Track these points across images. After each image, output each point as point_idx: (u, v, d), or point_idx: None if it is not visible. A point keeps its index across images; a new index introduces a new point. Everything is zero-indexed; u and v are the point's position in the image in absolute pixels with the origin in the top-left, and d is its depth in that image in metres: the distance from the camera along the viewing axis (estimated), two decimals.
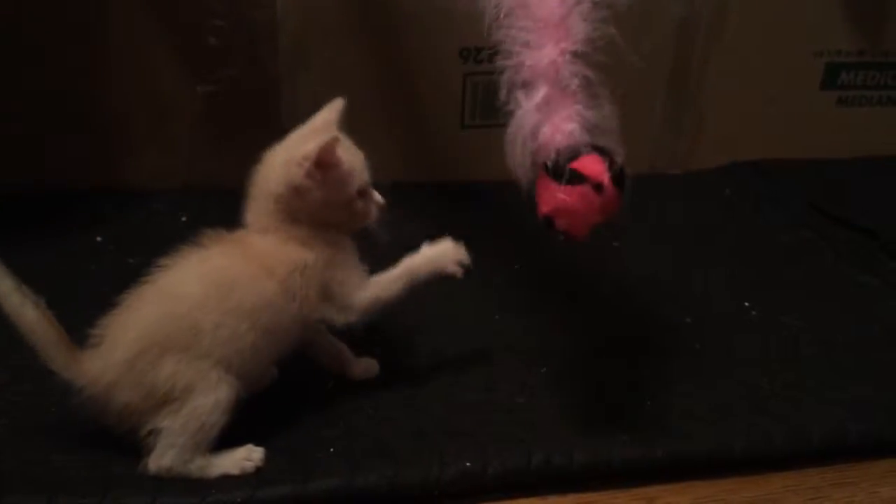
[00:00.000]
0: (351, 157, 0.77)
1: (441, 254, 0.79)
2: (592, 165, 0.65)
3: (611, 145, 0.68)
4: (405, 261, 0.79)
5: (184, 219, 1.19)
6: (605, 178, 0.65)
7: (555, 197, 0.66)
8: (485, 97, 1.29)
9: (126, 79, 1.23)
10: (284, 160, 0.76)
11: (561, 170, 0.66)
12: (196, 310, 0.72)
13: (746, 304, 1.06)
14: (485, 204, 1.24)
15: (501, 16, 0.70)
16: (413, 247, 0.81)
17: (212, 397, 0.71)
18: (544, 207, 0.68)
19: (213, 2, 1.19)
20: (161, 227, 1.17)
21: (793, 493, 0.79)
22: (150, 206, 1.22)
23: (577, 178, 0.65)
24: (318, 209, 0.76)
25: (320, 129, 0.78)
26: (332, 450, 0.77)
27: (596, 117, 0.67)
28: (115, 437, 0.75)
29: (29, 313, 0.69)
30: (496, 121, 0.76)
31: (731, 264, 1.16)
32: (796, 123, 1.46)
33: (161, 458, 0.71)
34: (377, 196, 0.80)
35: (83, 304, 0.73)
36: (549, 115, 0.67)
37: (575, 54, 0.67)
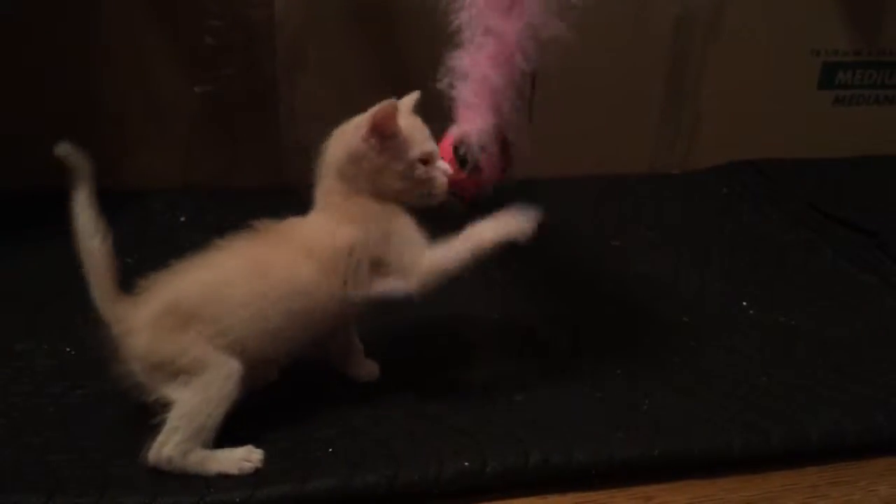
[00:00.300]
0: (412, 127, 0.79)
1: (507, 222, 0.79)
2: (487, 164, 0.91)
3: (501, 149, 0.93)
4: (470, 230, 0.79)
5: (182, 219, 1.19)
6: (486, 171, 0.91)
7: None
8: None
9: (124, 79, 1.23)
10: (344, 130, 0.79)
11: (461, 157, 0.90)
12: (227, 285, 0.74)
13: (744, 303, 1.06)
14: (484, 204, 1.24)
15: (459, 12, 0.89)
16: None
17: (222, 374, 0.72)
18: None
19: (209, 1, 1.19)
20: (159, 226, 1.17)
21: (791, 491, 0.79)
22: (149, 205, 1.22)
23: (470, 166, 0.90)
24: (376, 177, 0.78)
25: None
26: (331, 449, 0.77)
27: (505, 124, 0.91)
28: (113, 436, 0.75)
29: (95, 243, 0.74)
30: None
31: (729, 263, 1.16)
32: (794, 123, 1.47)
33: (163, 447, 0.72)
34: (443, 164, 0.81)
35: (82, 304, 0.74)
36: (470, 112, 0.90)
37: (504, 76, 0.88)
